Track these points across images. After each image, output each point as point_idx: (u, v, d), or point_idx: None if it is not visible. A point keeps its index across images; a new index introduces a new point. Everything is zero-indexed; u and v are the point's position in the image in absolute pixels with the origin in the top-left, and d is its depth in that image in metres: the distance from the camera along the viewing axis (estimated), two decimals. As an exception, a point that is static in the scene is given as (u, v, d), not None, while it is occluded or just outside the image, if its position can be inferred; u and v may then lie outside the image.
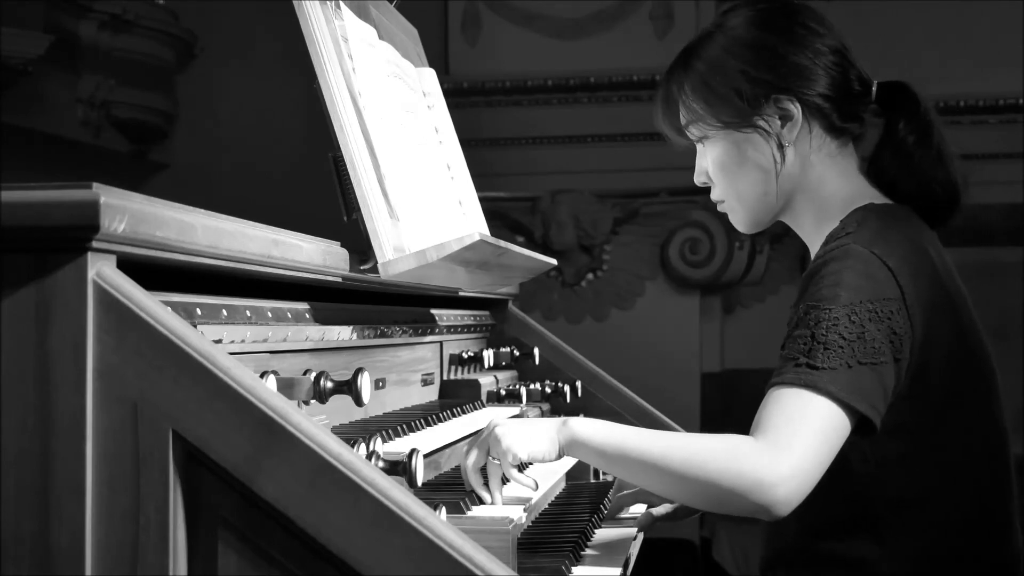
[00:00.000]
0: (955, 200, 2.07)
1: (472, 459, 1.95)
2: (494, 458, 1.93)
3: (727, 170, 2.07)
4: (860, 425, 1.79)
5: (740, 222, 2.14)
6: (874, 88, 2.07)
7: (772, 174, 2.03)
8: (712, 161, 2.09)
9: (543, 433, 1.90)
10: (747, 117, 2.02)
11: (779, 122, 2.01)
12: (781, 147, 2.02)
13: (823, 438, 1.74)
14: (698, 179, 2.15)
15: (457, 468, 2.20)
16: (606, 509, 2.35)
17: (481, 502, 1.95)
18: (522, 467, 2.06)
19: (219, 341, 1.50)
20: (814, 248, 2.06)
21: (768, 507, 1.72)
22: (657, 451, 1.80)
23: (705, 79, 2.04)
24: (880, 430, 1.81)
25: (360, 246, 2.00)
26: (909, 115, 2.07)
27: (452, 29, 6.39)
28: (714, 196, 2.14)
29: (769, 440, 1.73)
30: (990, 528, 1.95)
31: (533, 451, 1.90)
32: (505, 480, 1.99)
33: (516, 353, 2.91)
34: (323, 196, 2.26)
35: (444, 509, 1.70)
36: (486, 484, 1.95)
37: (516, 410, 2.61)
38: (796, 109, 2.01)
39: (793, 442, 1.72)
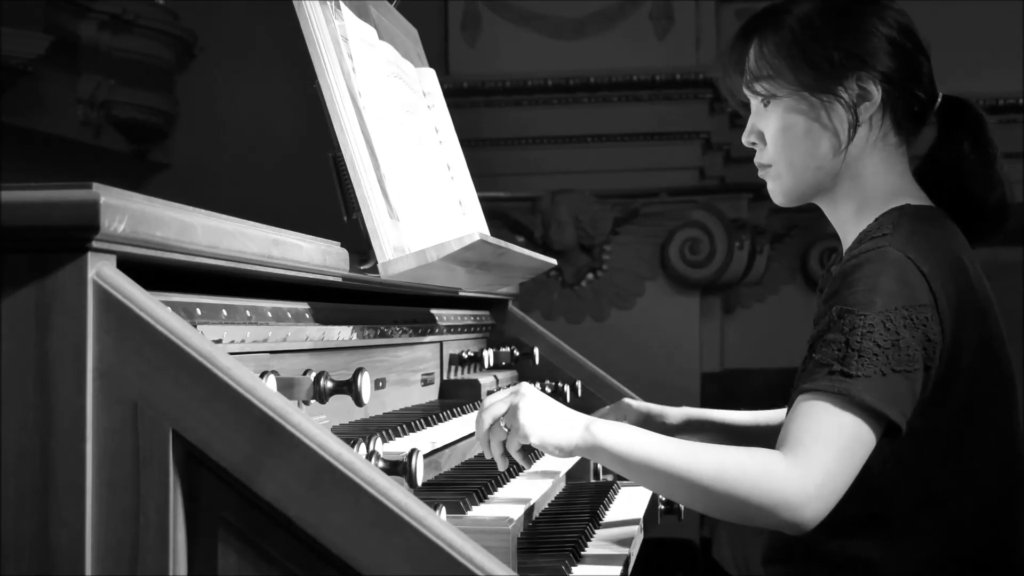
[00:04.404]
0: (1002, 221, 2.06)
1: (488, 416, 1.90)
2: (505, 426, 1.89)
3: (790, 134, 2.00)
4: (887, 431, 1.79)
5: (780, 191, 2.06)
6: (939, 99, 2.05)
7: (837, 148, 1.98)
8: (774, 122, 2.01)
9: (565, 427, 1.85)
10: (829, 84, 1.96)
11: (856, 99, 1.97)
12: (856, 123, 1.97)
13: (851, 454, 1.75)
14: (747, 139, 2.08)
15: (457, 468, 2.21)
16: (607, 509, 2.35)
17: (481, 500, 1.95)
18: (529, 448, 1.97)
19: (219, 341, 1.50)
20: (845, 236, 2.04)
21: (795, 525, 1.74)
22: (684, 464, 1.77)
23: (796, 37, 1.98)
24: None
25: (360, 246, 2.00)
26: (974, 134, 2.05)
27: (452, 29, 6.39)
28: (761, 160, 2.06)
29: (799, 458, 1.73)
30: (999, 535, 1.94)
31: (546, 440, 1.85)
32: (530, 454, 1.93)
33: (516, 353, 2.91)
34: (323, 196, 2.26)
35: (444, 509, 1.70)
36: (490, 444, 1.92)
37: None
38: (877, 91, 1.96)
39: (822, 460, 1.73)
